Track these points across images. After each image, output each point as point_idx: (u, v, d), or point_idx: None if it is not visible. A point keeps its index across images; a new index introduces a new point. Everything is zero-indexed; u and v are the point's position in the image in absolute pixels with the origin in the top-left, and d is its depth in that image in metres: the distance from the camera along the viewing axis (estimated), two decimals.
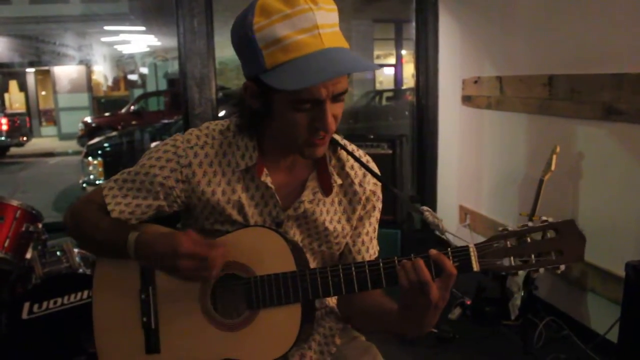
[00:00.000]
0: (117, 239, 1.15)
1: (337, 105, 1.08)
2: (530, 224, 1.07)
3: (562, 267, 1.05)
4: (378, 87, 12.90)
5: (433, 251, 1.05)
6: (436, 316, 1.06)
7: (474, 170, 3.67)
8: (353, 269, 1.10)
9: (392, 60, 13.45)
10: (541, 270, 1.06)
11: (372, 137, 3.12)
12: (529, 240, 1.06)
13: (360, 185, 1.26)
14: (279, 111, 1.08)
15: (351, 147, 1.28)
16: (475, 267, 1.05)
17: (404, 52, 12.29)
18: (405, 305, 1.08)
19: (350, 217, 1.26)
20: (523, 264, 1.06)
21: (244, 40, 1.03)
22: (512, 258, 1.06)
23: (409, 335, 1.25)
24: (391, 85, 12.94)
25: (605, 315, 2.43)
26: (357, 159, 1.24)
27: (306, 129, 1.07)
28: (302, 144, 1.11)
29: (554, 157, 2.62)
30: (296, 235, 1.23)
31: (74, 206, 1.25)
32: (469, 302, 3.01)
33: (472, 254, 1.05)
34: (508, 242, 1.06)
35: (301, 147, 1.11)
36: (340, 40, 1.04)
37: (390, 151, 3.05)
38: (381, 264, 1.09)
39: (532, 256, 1.06)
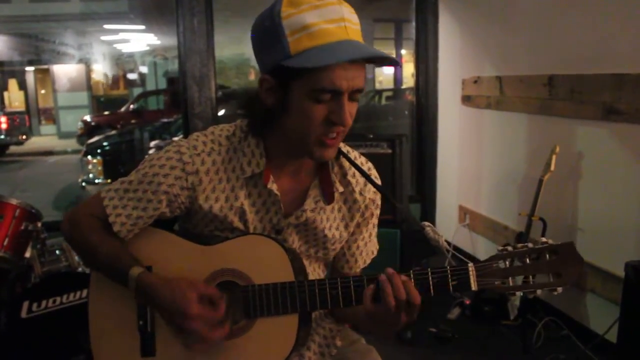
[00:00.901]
0: (117, 268, 1.14)
1: (353, 105, 1.08)
2: (530, 244, 1.07)
3: (560, 289, 1.05)
4: (378, 86, 12.89)
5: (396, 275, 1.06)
6: (397, 327, 1.08)
7: (474, 170, 3.66)
8: (351, 282, 1.10)
9: None
10: (538, 292, 1.07)
11: (371, 136, 3.11)
12: (528, 261, 1.06)
13: (361, 194, 1.25)
14: (295, 103, 1.06)
15: (353, 154, 1.27)
16: (474, 286, 1.06)
17: (403, 51, 12.25)
18: (367, 314, 1.09)
19: (348, 224, 1.26)
20: (521, 285, 1.07)
21: (268, 29, 1.03)
22: (510, 278, 1.06)
23: (374, 335, 1.26)
24: (391, 85, 12.92)
25: (605, 315, 2.43)
26: (359, 169, 1.23)
27: (322, 123, 1.06)
28: (314, 141, 1.08)
29: (554, 157, 2.62)
30: (295, 242, 1.23)
31: (72, 214, 1.22)
32: (468, 302, 3.01)
33: (471, 273, 1.06)
34: (507, 262, 1.06)
35: (312, 146, 1.09)
36: (361, 39, 1.06)
37: (390, 151, 3.05)
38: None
39: (530, 277, 1.06)
